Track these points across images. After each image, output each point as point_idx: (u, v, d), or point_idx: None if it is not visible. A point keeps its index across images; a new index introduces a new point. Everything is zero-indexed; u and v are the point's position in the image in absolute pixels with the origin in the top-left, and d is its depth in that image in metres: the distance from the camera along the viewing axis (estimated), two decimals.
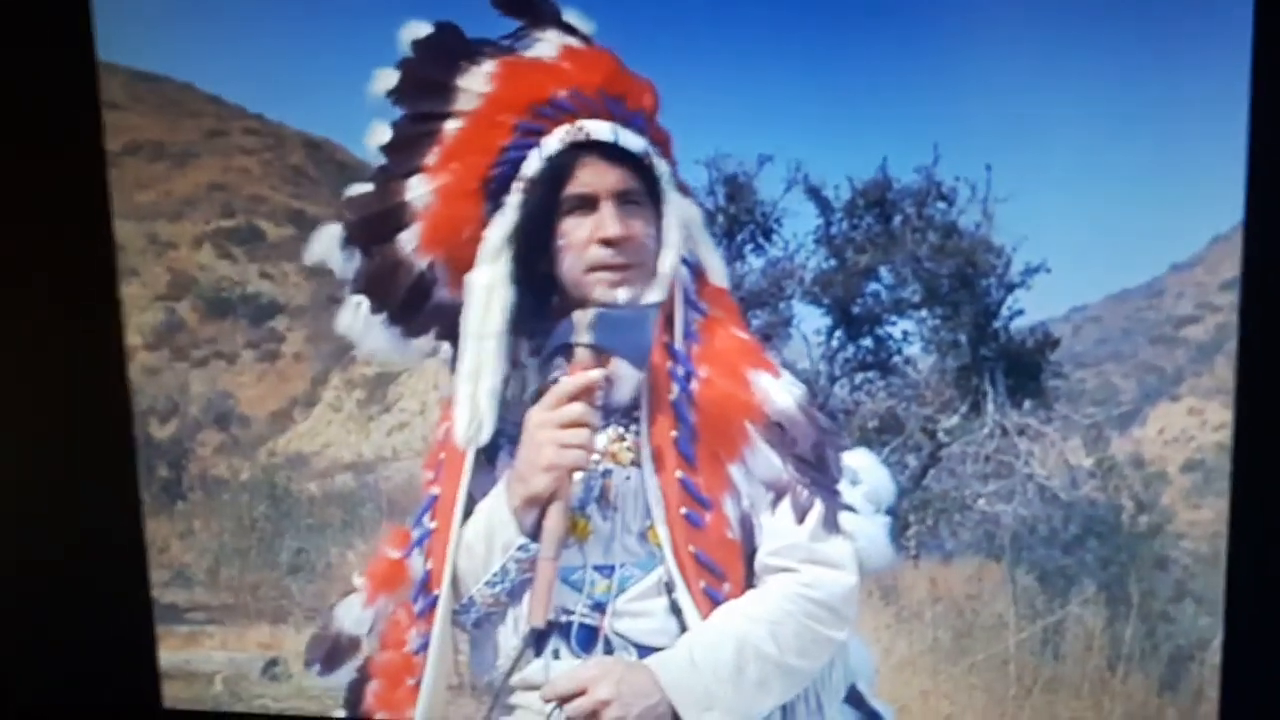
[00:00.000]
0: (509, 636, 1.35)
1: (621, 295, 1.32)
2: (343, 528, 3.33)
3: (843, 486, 1.36)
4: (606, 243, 1.30)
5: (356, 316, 1.44)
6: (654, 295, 1.32)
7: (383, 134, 1.42)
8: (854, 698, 1.44)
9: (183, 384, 4.45)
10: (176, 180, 4.70)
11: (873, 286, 3.17)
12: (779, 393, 1.36)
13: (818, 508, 1.32)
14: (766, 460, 1.35)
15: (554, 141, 1.32)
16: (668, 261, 1.34)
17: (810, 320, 3.26)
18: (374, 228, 1.41)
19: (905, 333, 3.15)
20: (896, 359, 3.17)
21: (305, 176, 4.10)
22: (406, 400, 3.47)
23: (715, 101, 2.86)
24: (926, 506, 3.03)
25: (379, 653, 1.43)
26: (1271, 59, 1.88)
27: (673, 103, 3.15)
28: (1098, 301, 2.85)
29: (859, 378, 3.26)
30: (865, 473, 1.38)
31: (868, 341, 3.22)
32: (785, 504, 1.34)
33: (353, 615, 1.47)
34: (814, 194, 3.11)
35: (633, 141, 1.34)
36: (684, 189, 1.44)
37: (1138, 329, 3.51)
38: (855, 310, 3.18)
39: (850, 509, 1.33)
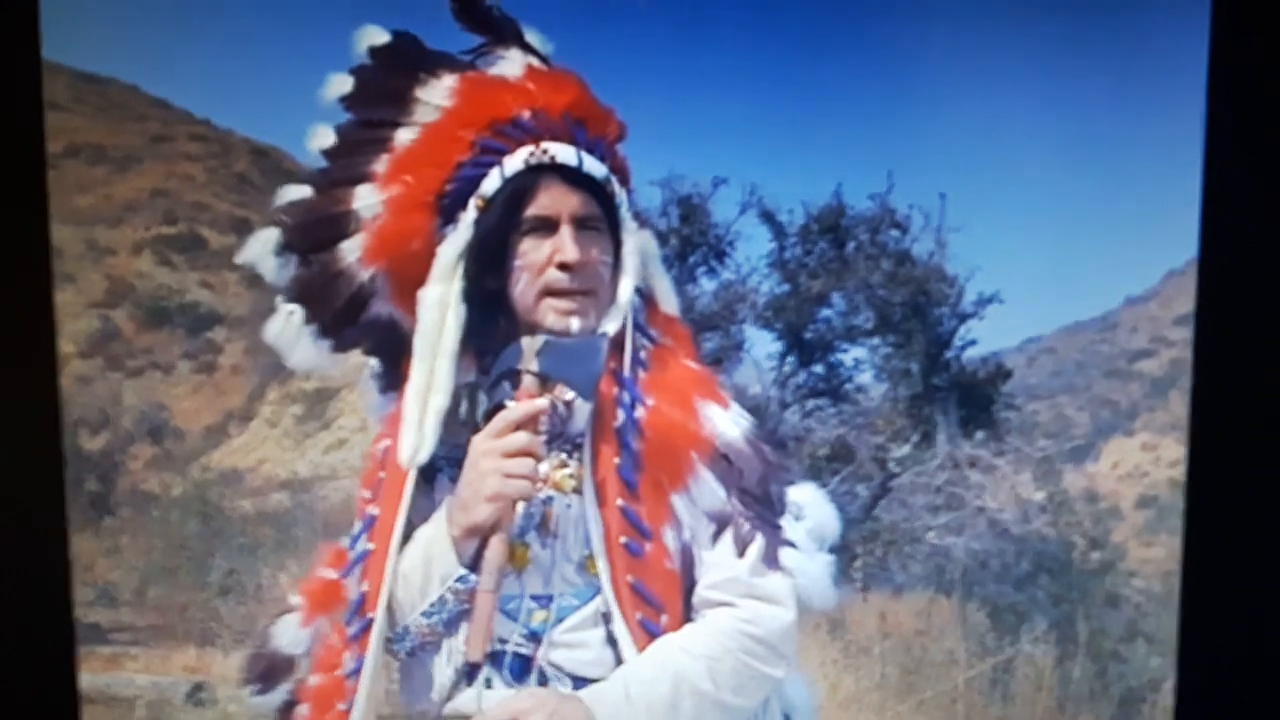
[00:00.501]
0: (443, 667, 1.32)
1: (574, 324, 1.27)
2: (276, 548, 3.31)
3: (786, 522, 1.30)
4: (564, 267, 1.24)
5: (287, 326, 1.36)
6: (609, 323, 1.26)
7: (325, 137, 1.36)
8: None
9: (115, 395, 4.36)
10: (118, 185, 4.62)
11: (825, 313, 3.18)
12: (727, 424, 1.30)
13: (759, 542, 1.27)
14: (711, 491, 1.29)
15: (516, 161, 1.26)
16: (625, 289, 1.28)
17: (762, 345, 3.28)
18: (313, 234, 1.35)
19: (857, 360, 3.17)
20: (848, 386, 3.18)
21: (250, 184, 4.03)
22: (346, 417, 3.38)
23: (670, 123, 2.83)
24: (876, 538, 3.00)
25: (310, 675, 1.36)
26: (1225, 96, 1.87)
27: (628, 121, 3.11)
28: (1052, 333, 2.84)
29: (810, 404, 3.25)
30: (810, 508, 1.32)
31: (819, 368, 3.22)
32: (727, 537, 1.29)
33: (289, 634, 1.39)
34: (768, 218, 3.16)
35: (595, 167, 1.28)
36: (639, 218, 1.38)
37: (1092, 362, 3.52)
38: (807, 336, 3.19)
39: (792, 545, 1.28)
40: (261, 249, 1.34)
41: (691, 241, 3.32)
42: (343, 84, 1.32)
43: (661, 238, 3.29)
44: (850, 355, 3.15)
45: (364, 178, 1.31)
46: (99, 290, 4.17)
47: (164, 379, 3.73)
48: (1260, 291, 2.00)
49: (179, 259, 3.77)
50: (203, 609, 3.29)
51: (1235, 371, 2.05)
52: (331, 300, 1.39)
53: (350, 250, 1.32)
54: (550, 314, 1.27)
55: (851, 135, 2.62)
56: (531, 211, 1.29)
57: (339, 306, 1.37)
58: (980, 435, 3.03)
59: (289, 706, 1.37)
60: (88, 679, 2.78)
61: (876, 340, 3.12)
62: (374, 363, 1.42)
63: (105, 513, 4.09)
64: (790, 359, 3.24)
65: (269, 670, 1.39)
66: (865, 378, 3.16)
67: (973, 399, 3.04)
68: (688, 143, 2.81)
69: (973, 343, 2.98)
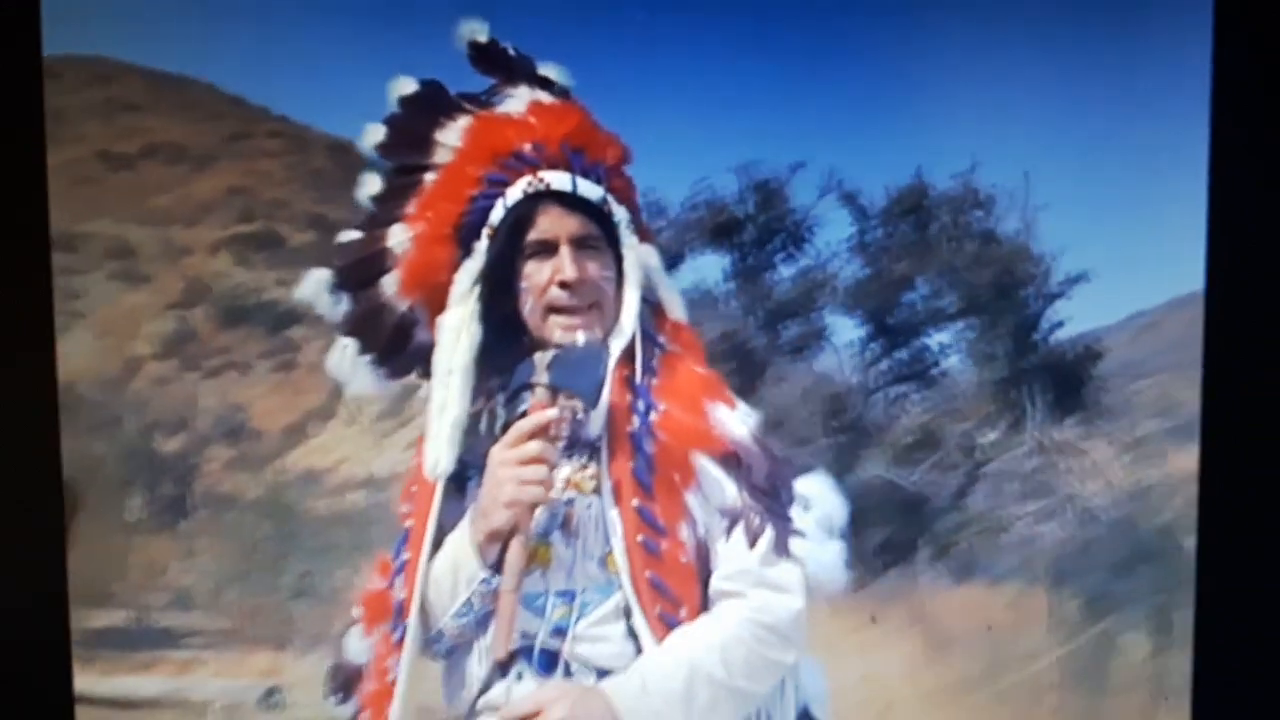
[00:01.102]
0: (475, 665, 1.51)
1: (579, 337, 1.51)
2: (351, 549, 3.45)
3: (794, 513, 1.48)
4: (564, 285, 1.48)
5: (344, 358, 1.65)
6: (615, 335, 1.52)
7: (374, 184, 1.67)
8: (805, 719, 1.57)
9: (192, 396, 4.69)
10: (195, 184, 4.98)
11: (909, 296, 3.37)
12: (735, 423, 1.50)
13: (769, 534, 1.46)
14: (721, 488, 1.46)
15: (516, 191, 1.50)
16: (630, 301, 1.54)
17: (844, 331, 3.49)
18: (359, 273, 1.59)
19: (942, 344, 3.34)
20: (934, 371, 3.35)
21: (328, 180, 4.37)
22: (424, 415, 3.71)
23: (745, 108, 3.07)
24: (963, 528, 3.19)
25: (367, 682, 1.59)
26: None
27: (703, 108, 3.38)
28: (1155, 308, 2.96)
29: (895, 391, 3.44)
30: (818, 499, 1.51)
31: (904, 353, 3.40)
32: (739, 530, 1.45)
33: (355, 645, 1.63)
34: (848, 200, 3.34)
35: (590, 190, 1.51)
36: (645, 233, 1.62)
37: (1199, 337, 3.58)
38: (891, 321, 3.39)
39: (801, 534, 1.47)
40: (316, 288, 1.66)
41: (769, 228, 3.54)
42: (377, 133, 1.65)
43: (738, 224, 3.57)
44: (935, 339, 3.35)
45: (398, 218, 1.64)
46: (175, 291, 4.43)
47: (241, 379, 4.04)
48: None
49: (256, 257, 4.11)
50: (276, 612, 3.53)
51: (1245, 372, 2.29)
52: (380, 331, 1.59)
53: (389, 285, 1.62)
54: (557, 330, 1.51)
55: (932, 114, 2.82)
56: (533, 236, 1.52)
57: (387, 337, 1.61)
58: (1071, 419, 3.17)
59: (355, 714, 1.69)
60: (160, 684, 3.11)
61: (962, 323, 3.30)
62: (427, 385, 1.72)
63: (181, 516, 4.26)
64: (874, 345, 3.44)
65: (346, 680, 1.71)
66: (951, 362, 3.34)
67: (1063, 381, 3.16)
68: (764, 128, 3.06)
69: (1060, 324, 3.17)
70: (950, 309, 3.26)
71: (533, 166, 1.49)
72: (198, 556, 4.11)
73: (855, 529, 3.35)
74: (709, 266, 3.73)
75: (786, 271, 3.56)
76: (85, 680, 3.44)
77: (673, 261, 3.78)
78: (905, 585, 3.30)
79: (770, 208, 3.49)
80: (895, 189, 3.28)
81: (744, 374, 3.58)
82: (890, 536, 3.32)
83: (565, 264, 1.46)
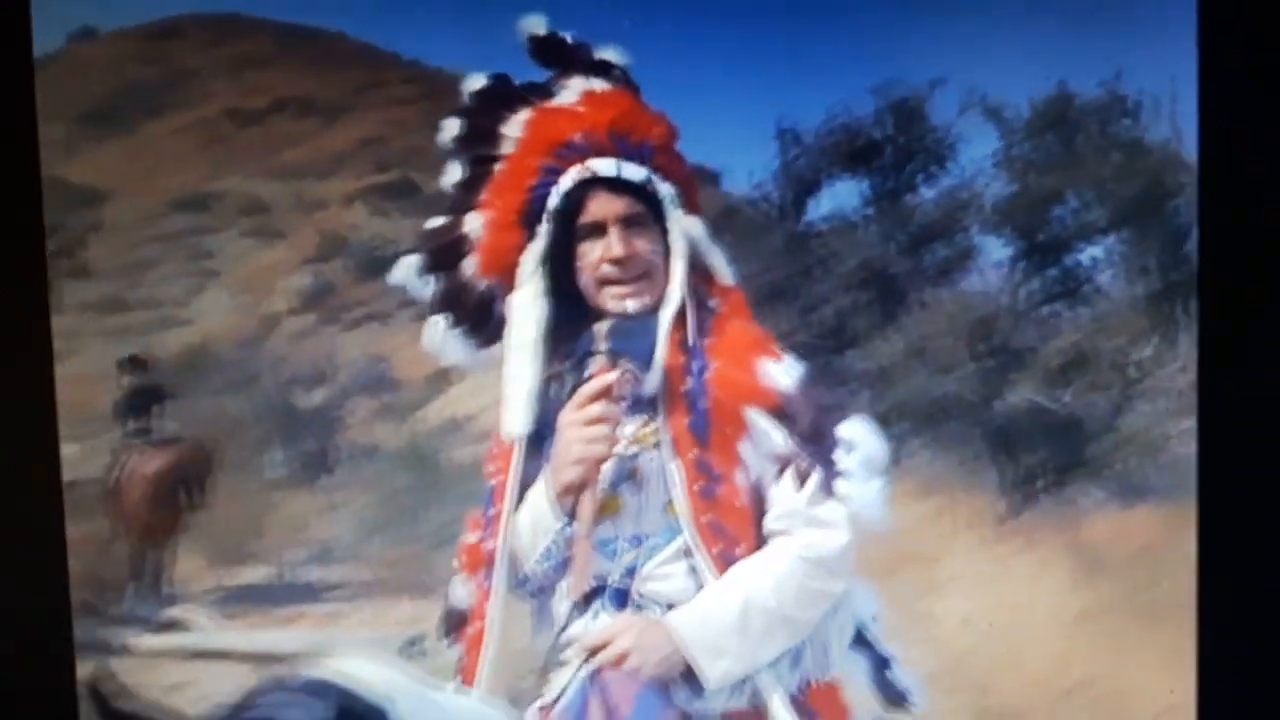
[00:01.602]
0: (559, 604, 1.82)
1: (630, 306, 1.78)
2: None
3: (838, 455, 1.74)
4: (614, 261, 1.82)
5: (436, 333, 1.99)
6: (666, 302, 1.87)
7: (455, 172, 2.06)
8: (862, 642, 1.88)
9: (332, 350, 4.84)
10: (326, 136, 5.31)
11: (1058, 211, 3.57)
12: (781, 376, 1.79)
13: (815, 476, 1.74)
14: (770, 437, 1.75)
15: (567, 180, 1.81)
16: (677, 270, 1.88)
17: (991, 252, 3.73)
18: (443, 256, 1.92)
19: (1094, 259, 3.54)
20: (1085, 288, 3.55)
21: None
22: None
23: (880, 27, 3.29)
24: (1118, 449, 3.36)
25: (471, 625, 1.89)
26: None
27: (838, 29, 3.59)
28: None
29: (1046, 310, 3.64)
30: (860, 442, 1.76)
31: (1054, 271, 3.61)
32: (788, 474, 1.75)
33: (458, 592, 1.94)
34: (991, 115, 3.56)
35: (634, 173, 1.80)
36: (692, 206, 1.96)
37: None
38: (1040, 238, 3.60)
39: (844, 475, 1.74)
40: (407, 272, 2.02)
41: (909, 149, 3.79)
42: (452, 127, 2.02)
43: (876, 147, 3.82)
44: (1086, 255, 3.54)
45: (473, 205, 2.01)
46: (311, 245, 4.84)
47: (382, 330, 4.30)
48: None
49: (392, 207, 4.41)
50: (418, 562, 3.80)
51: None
52: (465, 308, 1.91)
53: (469, 266, 2.00)
54: (611, 301, 1.80)
55: (1074, 20, 2.97)
56: (584, 219, 1.80)
57: (472, 312, 1.91)
58: None
59: (461, 656, 2.07)
60: (303, 638, 3.44)
61: (1113, 237, 3.48)
62: None
63: (324, 471, 4.66)
64: (1022, 264, 3.66)
65: (454, 625, 2.08)
66: (1103, 278, 3.53)
67: None
68: (900, 46, 3.19)
69: None
70: (1100, 223, 3.44)
71: (582, 155, 1.83)
72: (339, 510, 4.48)
73: (1006, 454, 3.59)
74: (846, 192, 4.01)
75: (928, 193, 3.81)
76: (228, 638, 3.86)
77: (809, 189, 4.07)
78: (1058, 509, 3.52)
79: (910, 128, 3.73)
80: (1039, 100, 3.47)
81: (885, 302, 3.86)
82: (1042, 461, 3.56)
83: (614, 243, 1.80)
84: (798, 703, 1.74)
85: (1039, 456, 3.58)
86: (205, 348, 4.94)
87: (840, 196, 4.02)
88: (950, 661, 3.32)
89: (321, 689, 1.32)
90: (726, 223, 4.24)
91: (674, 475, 1.75)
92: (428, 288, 1.93)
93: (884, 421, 3.82)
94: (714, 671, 1.69)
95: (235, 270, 5.05)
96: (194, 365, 4.94)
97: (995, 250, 3.74)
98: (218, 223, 4.99)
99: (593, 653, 1.72)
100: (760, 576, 1.73)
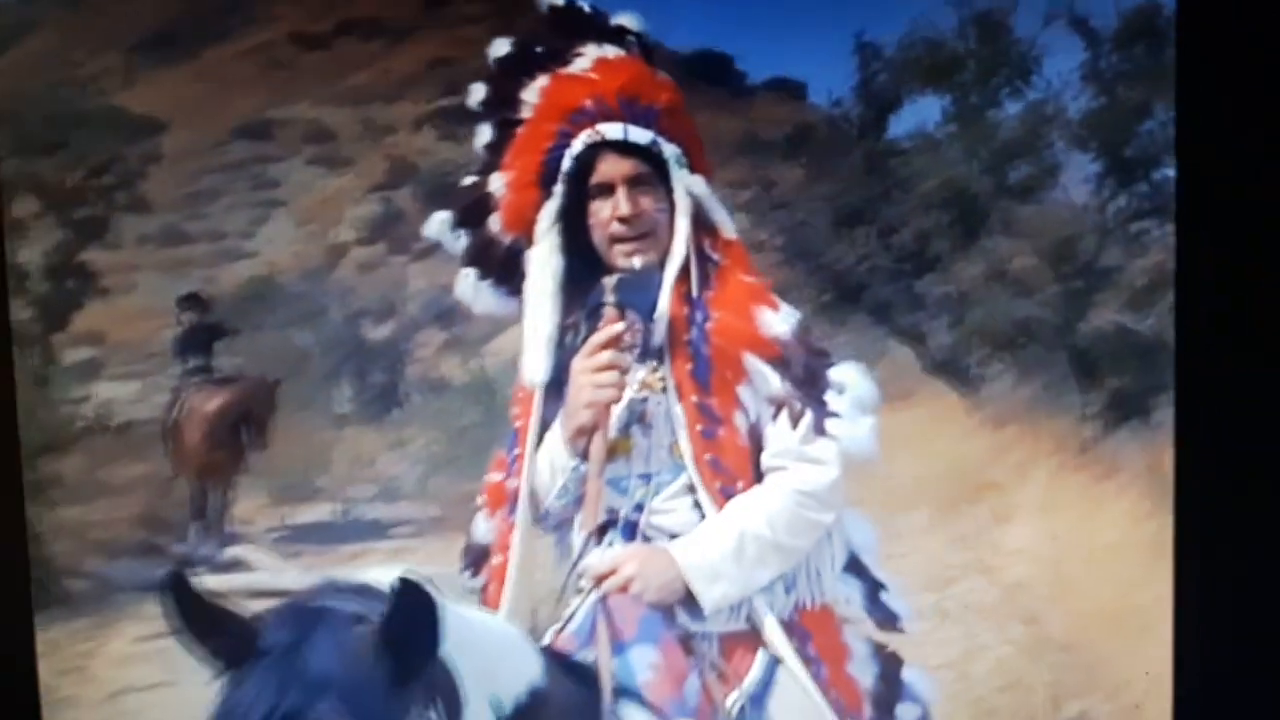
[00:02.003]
0: (575, 537, 2.09)
1: (637, 261, 2.04)
2: None
3: (830, 397, 2.03)
4: (622, 220, 2.04)
5: (467, 284, 2.24)
6: (670, 257, 2.10)
7: (485, 134, 2.22)
8: (856, 567, 2.16)
9: (400, 280, 4.97)
10: (393, 59, 5.43)
11: (1146, 125, 3.68)
12: (778, 324, 2.05)
13: (808, 416, 2.02)
14: (768, 381, 2.03)
15: (578, 143, 2.07)
16: (681, 227, 2.08)
17: (1077, 168, 3.82)
18: (471, 213, 2.21)
19: None
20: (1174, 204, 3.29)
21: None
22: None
23: None
24: None
25: (493, 557, 2.18)
26: None
27: None
28: None
29: (1134, 228, 3.75)
30: (851, 384, 2.05)
31: (1143, 187, 3.73)
32: (783, 415, 2.02)
33: (480, 528, 2.23)
34: (1078, 26, 3.67)
35: (640, 135, 2.06)
36: (697, 165, 2.15)
37: None
38: (1128, 153, 3.70)
39: (836, 415, 2.03)
40: (440, 227, 2.27)
41: (992, 62, 3.91)
42: (479, 91, 2.27)
43: (958, 61, 3.96)
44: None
45: (497, 166, 2.27)
46: (379, 172, 4.99)
47: (452, 259, 4.64)
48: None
49: (462, 131, 4.66)
50: None
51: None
52: (493, 260, 2.21)
53: (494, 223, 2.26)
54: (619, 256, 2.05)
55: None
56: (594, 180, 2.06)
57: (499, 264, 2.20)
58: None
59: (485, 586, 2.35)
60: (365, 575, 3.72)
61: None
62: None
63: (393, 405, 4.94)
64: (1109, 180, 3.77)
65: (476, 558, 2.35)
66: None
67: None
68: None
69: None
70: None
71: (593, 119, 2.08)
72: (406, 446, 4.75)
73: (1089, 379, 3.74)
74: (928, 108, 4.15)
75: (1012, 108, 3.93)
76: (290, 577, 4.07)
77: (890, 105, 4.21)
78: (1142, 436, 3.65)
79: (993, 40, 3.85)
80: (1126, 10, 3.59)
81: (966, 222, 3.98)
82: (1126, 385, 3.69)
83: (621, 202, 2.06)
84: (792, 624, 2.00)
85: (1123, 380, 3.72)
86: (270, 280, 5.15)
87: (921, 113, 4.17)
88: (1007, 590, 3.51)
89: (374, 591, 1.49)
90: (804, 141, 4.42)
91: (678, 418, 2.03)
92: (459, 242, 2.21)
93: (963, 346, 4.00)
94: (710, 595, 1.95)
95: (300, 199, 5.23)
96: (258, 298, 5.15)
97: (1081, 166, 3.84)
98: (282, 150, 5.17)
99: (600, 580, 1.97)
100: (755, 508, 2.00)
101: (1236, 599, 2.84)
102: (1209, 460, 2.85)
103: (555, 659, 1.78)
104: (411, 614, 1.38)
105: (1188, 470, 2.88)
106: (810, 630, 2.01)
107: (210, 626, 1.40)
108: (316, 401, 5.10)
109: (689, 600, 1.95)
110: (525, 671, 1.64)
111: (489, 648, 1.60)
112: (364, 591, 1.48)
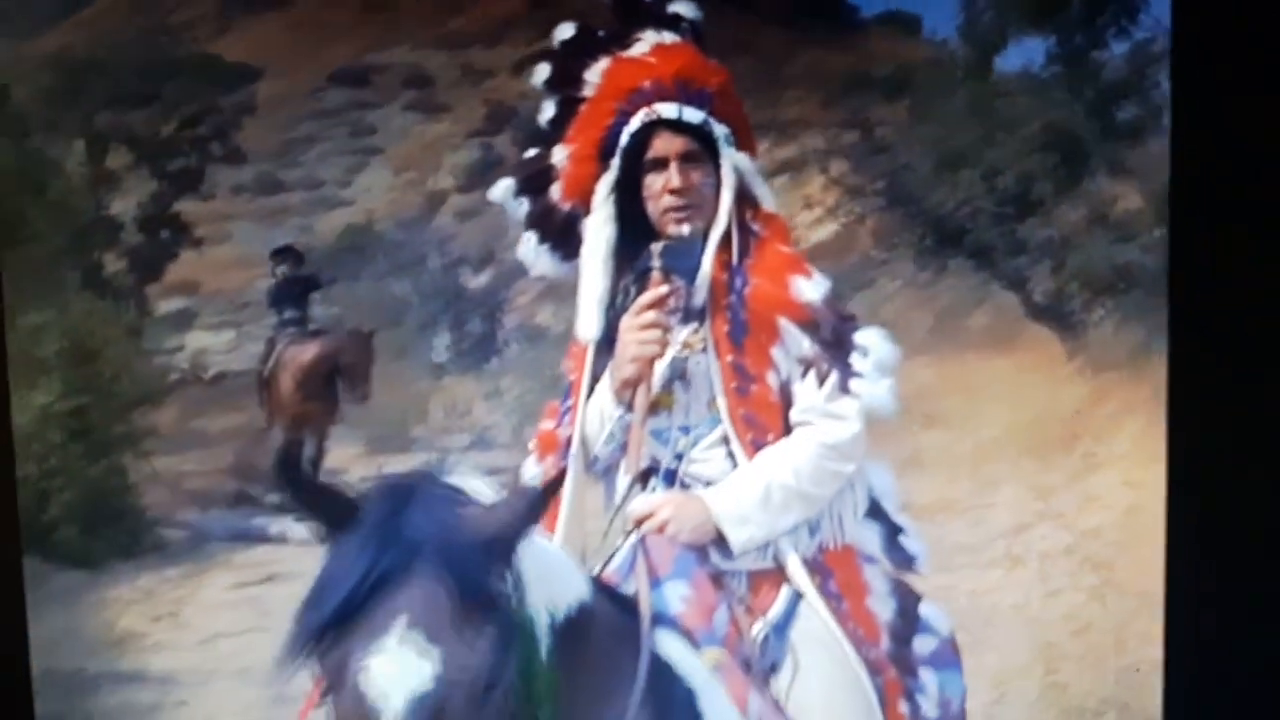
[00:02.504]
0: (621, 481, 2.43)
1: (685, 230, 2.40)
2: None
3: (854, 358, 2.39)
4: (673, 191, 2.38)
5: (528, 247, 2.61)
6: (714, 226, 2.42)
7: (549, 110, 2.59)
8: (877, 512, 2.52)
9: (499, 228, 4.77)
10: (493, 1, 5.38)
11: None
12: (810, 291, 2.41)
13: (833, 376, 2.38)
14: (798, 342, 2.39)
15: (636, 121, 2.43)
16: (725, 199, 2.43)
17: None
18: (534, 182, 2.58)
19: None
20: None
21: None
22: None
23: None
24: None
25: None
26: None
27: None
28: None
29: None
30: (874, 347, 2.41)
31: None
32: (811, 374, 2.39)
33: (529, 472, 2.57)
34: None
35: (693, 115, 2.42)
36: (744, 144, 2.50)
37: None
38: None
39: (859, 375, 2.39)
40: (504, 193, 2.58)
41: (1098, 2, 4.17)
42: (542, 71, 2.59)
43: (1064, 0, 4.23)
44: None
45: (560, 140, 2.51)
46: (477, 117, 5.35)
47: None
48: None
49: None
50: None
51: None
52: (552, 226, 2.59)
53: (555, 191, 2.57)
54: (669, 224, 2.41)
55: None
56: (649, 155, 2.41)
57: (558, 230, 2.58)
58: None
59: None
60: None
61: None
62: None
63: (491, 354, 5.32)
64: None
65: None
66: None
67: None
68: None
69: None
70: None
71: (650, 99, 2.49)
72: (503, 395, 5.14)
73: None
74: (1032, 49, 4.43)
75: (1118, 48, 4.20)
76: None
77: (994, 46, 4.48)
78: None
79: None
80: None
81: (1070, 165, 4.27)
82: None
83: (673, 175, 2.41)
84: (815, 562, 2.35)
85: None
86: (367, 229, 5.50)
87: (1026, 53, 4.45)
88: (1080, 536, 3.82)
89: (465, 492, 1.78)
90: (907, 82, 4.71)
91: (716, 375, 2.39)
92: (521, 208, 2.59)
93: (1064, 292, 4.28)
94: (739, 537, 2.33)
95: (398, 146, 5.55)
96: (355, 248, 5.52)
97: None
98: (379, 97, 5.49)
99: (640, 522, 2.31)
100: (782, 460, 2.35)
101: None
102: None
103: (601, 587, 2.08)
104: (511, 504, 1.69)
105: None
106: (832, 568, 2.37)
107: (316, 498, 1.72)
108: (413, 351, 5.44)
109: (719, 541, 2.31)
110: (577, 588, 1.93)
111: (549, 560, 1.89)
112: (457, 489, 1.76)
